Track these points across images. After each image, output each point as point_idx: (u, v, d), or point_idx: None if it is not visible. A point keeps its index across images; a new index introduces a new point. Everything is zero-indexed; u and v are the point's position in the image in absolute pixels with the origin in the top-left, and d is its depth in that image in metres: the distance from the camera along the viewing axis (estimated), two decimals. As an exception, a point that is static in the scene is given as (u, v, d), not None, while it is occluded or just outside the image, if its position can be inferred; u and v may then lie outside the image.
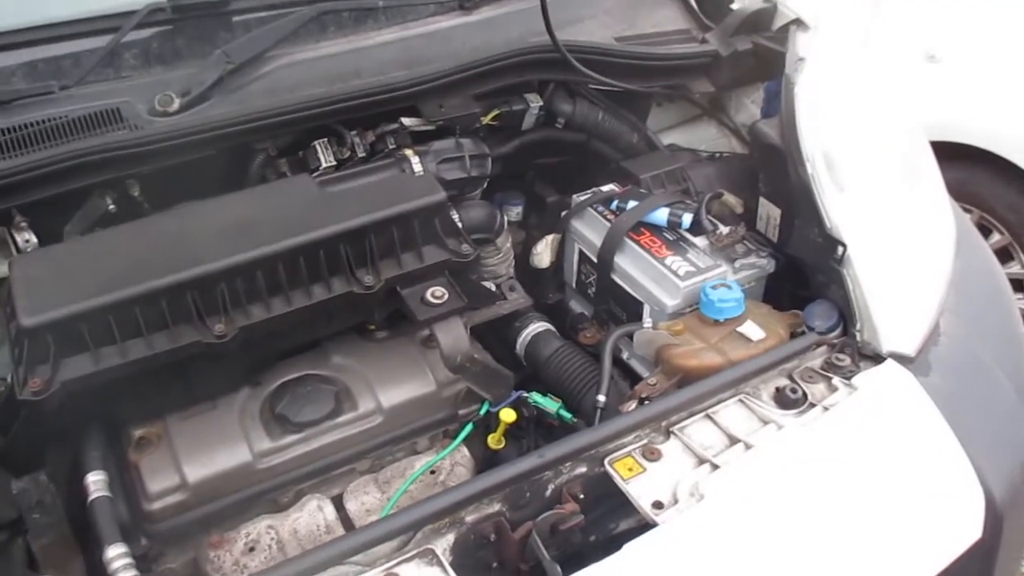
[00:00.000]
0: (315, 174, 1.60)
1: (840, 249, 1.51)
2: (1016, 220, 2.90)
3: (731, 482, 1.24)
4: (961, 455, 1.37)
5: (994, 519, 1.35)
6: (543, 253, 1.82)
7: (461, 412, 1.55)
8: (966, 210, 2.96)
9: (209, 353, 1.32)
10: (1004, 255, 2.95)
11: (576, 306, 1.90)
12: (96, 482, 1.27)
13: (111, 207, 1.52)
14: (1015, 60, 2.92)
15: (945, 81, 3.01)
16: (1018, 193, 2.87)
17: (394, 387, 1.50)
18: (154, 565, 1.35)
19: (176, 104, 1.55)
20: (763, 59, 1.89)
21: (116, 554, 1.19)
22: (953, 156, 2.74)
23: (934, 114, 2.85)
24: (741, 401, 1.39)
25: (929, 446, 1.37)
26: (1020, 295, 2.79)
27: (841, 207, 1.55)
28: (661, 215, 1.71)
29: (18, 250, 1.46)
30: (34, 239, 1.47)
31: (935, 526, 1.33)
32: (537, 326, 1.71)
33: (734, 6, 1.97)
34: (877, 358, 1.46)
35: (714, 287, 1.55)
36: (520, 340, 1.71)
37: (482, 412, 1.55)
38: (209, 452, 1.38)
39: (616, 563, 1.13)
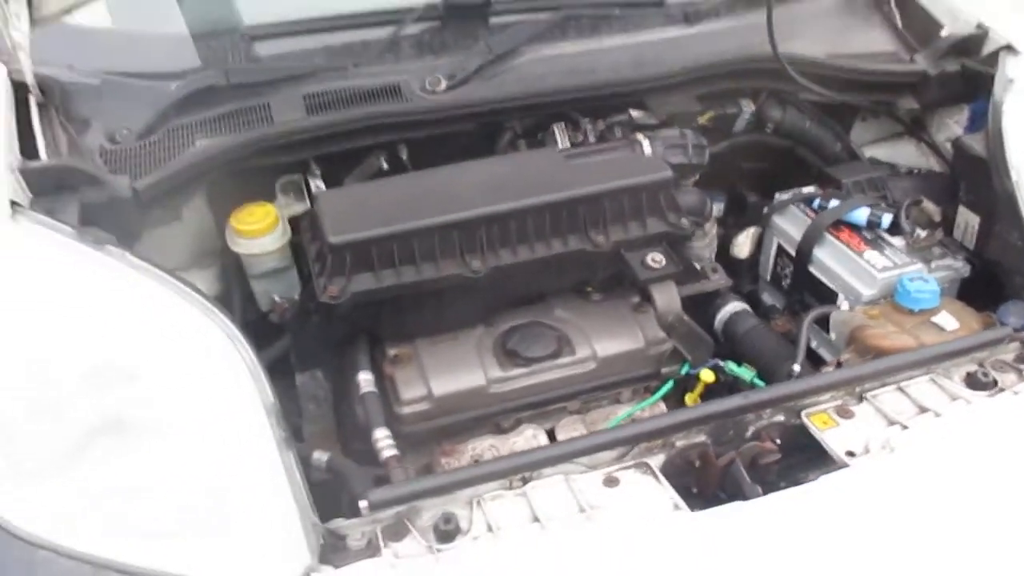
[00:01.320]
0: (554, 152, 1.85)
1: (1041, 251, 1.60)
2: None
3: (922, 440, 1.36)
4: None
5: None
6: (743, 244, 1.99)
7: (664, 370, 1.73)
8: None
9: (463, 285, 1.57)
10: None
11: (768, 298, 2.05)
12: (366, 380, 1.55)
13: (384, 166, 1.82)
14: None
15: None
16: None
17: (608, 340, 1.70)
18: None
19: (443, 85, 1.83)
20: (970, 80, 1.99)
21: (382, 435, 1.46)
22: None
23: None
24: (932, 380, 1.51)
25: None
26: None
27: (1044, 215, 1.64)
28: (861, 215, 1.84)
29: (310, 193, 1.78)
30: (323, 185, 1.78)
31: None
32: (737, 305, 1.88)
33: (943, 33, 2.09)
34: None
35: (911, 279, 1.67)
36: (720, 316, 1.88)
37: (682, 372, 1.72)
38: (451, 373, 1.62)
39: (810, 489, 1.28)
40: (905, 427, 1.40)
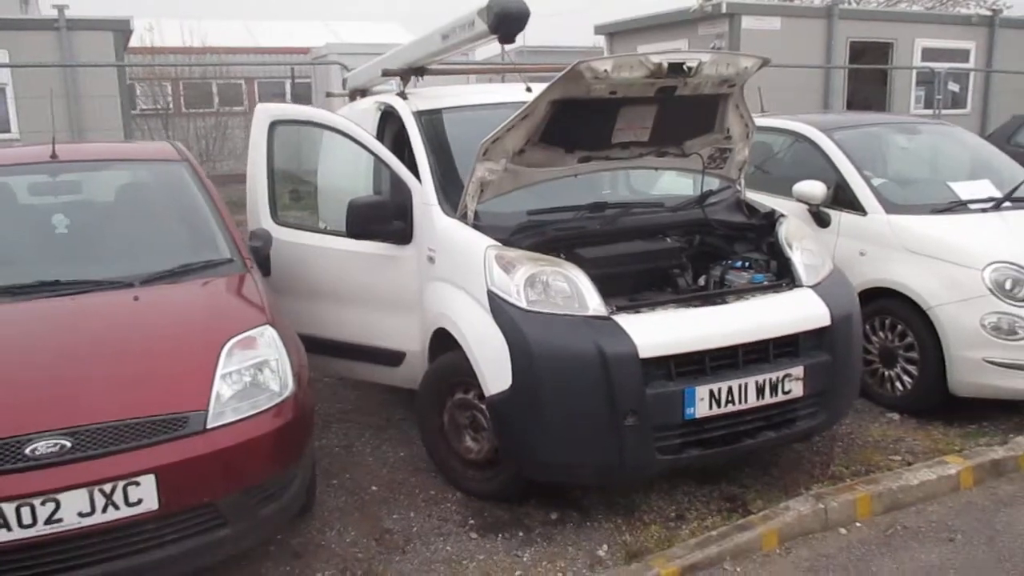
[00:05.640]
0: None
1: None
2: (908, 320, 6.54)
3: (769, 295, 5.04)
4: (822, 303, 5.11)
5: (833, 319, 5.05)
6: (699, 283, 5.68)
7: (681, 307, 5.36)
8: (886, 317, 6.63)
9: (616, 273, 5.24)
10: (903, 335, 6.56)
11: (712, 301, 5.71)
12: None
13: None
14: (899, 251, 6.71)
15: (871, 264, 6.82)
16: (910, 308, 6.54)
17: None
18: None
19: (599, 226, 5.57)
20: (771, 224, 5.82)
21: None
22: (882, 294, 6.56)
23: (868, 276, 6.67)
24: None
25: (807, 301, 5.13)
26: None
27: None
28: (739, 263, 5.58)
29: (561, 256, 5.44)
30: (564, 256, 5.45)
31: (812, 317, 5.04)
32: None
33: (762, 211, 5.95)
34: (802, 286, 5.24)
35: (756, 277, 5.38)
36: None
37: (687, 307, 5.36)
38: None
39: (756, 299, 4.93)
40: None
